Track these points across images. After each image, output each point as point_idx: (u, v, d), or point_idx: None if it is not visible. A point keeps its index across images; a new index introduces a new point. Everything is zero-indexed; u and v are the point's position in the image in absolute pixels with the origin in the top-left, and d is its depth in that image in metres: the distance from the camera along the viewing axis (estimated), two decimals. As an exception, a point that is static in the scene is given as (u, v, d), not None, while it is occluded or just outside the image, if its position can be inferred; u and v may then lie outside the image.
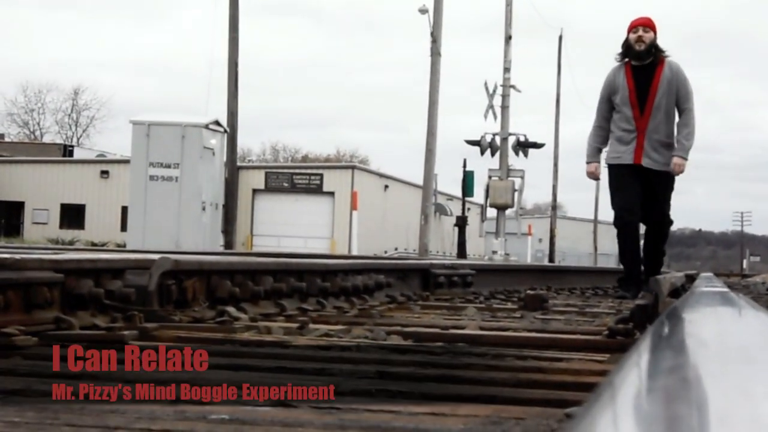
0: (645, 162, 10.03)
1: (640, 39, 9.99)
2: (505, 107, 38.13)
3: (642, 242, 10.47)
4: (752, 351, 1.63)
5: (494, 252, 37.15)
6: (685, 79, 10.17)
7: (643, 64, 10.06)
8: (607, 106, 10.29)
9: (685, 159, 10.11)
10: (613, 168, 10.28)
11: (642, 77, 10.07)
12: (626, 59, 10.14)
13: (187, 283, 5.04)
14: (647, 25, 10.10)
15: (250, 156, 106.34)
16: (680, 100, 10.11)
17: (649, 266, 10.33)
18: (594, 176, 10.59)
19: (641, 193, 10.11)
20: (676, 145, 10.14)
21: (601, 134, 10.38)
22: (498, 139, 37.80)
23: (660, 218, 10.34)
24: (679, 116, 10.16)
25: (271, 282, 5.84)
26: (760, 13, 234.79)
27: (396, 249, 60.46)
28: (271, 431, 2.39)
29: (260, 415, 2.54)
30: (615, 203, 10.29)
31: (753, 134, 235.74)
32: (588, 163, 10.51)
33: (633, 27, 10.11)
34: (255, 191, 58.56)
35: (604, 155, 10.68)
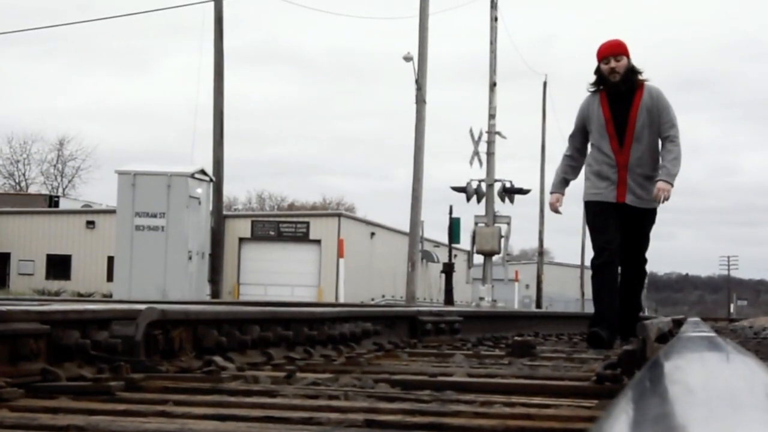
0: (630, 200, 9.14)
1: (613, 71, 9.03)
2: (490, 154, 38.29)
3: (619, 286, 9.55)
4: (739, 397, 1.63)
5: (481, 298, 37.18)
6: (666, 105, 9.20)
7: (619, 91, 9.11)
8: (581, 136, 9.36)
9: (671, 185, 9.09)
10: (592, 205, 9.33)
11: (619, 106, 9.10)
12: (600, 87, 9.20)
13: (173, 333, 5.02)
14: (618, 51, 9.10)
15: (236, 204, 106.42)
16: (663, 127, 9.15)
17: (629, 315, 9.36)
18: (554, 208, 9.51)
19: (620, 232, 9.21)
20: (660, 169, 9.17)
21: (571, 164, 9.47)
22: (484, 186, 37.94)
23: (639, 258, 9.50)
24: (663, 144, 9.21)
25: (258, 331, 5.82)
26: (742, 58, 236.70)
27: (383, 296, 60.40)
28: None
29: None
30: (596, 242, 9.34)
31: (737, 178, 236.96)
32: (551, 193, 9.55)
33: (603, 57, 9.12)
34: (241, 240, 58.49)
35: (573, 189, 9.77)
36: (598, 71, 9.16)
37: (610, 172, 9.15)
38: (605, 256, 9.21)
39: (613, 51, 9.08)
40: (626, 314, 9.32)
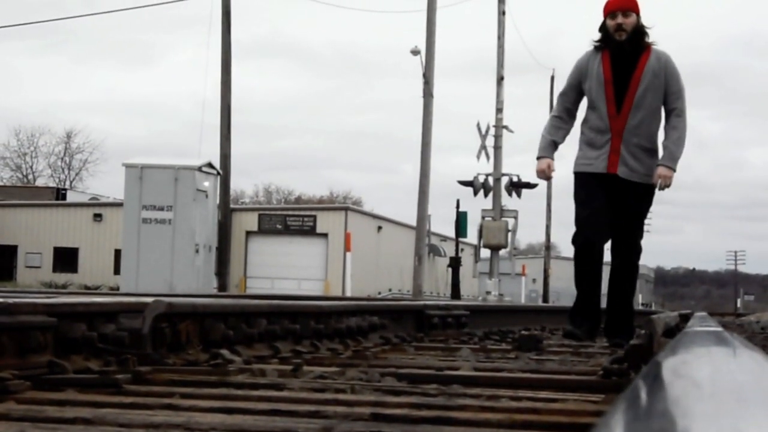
0: (621, 171, 8.10)
1: (620, 27, 8.08)
2: (497, 148, 38.25)
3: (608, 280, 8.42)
4: (746, 392, 1.63)
5: (488, 292, 37.14)
6: (675, 72, 8.22)
7: (623, 51, 8.16)
8: (574, 94, 8.41)
9: (674, 170, 8.11)
10: (581, 177, 8.32)
11: (622, 66, 8.15)
12: (605, 46, 8.25)
13: (180, 326, 5.03)
14: (627, 6, 8.13)
15: (243, 198, 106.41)
16: (669, 97, 8.17)
17: (618, 314, 8.29)
18: (544, 175, 8.42)
19: (610, 211, 8.19)
20: (662, 151, 8.18)
21: (560, 126, 8.44)
22: (491, 180, 37.90)
23: (630, 246, 8.28)
24: (667, 118, 8.23)
25: (265, 324, 5.83)
26: (749, 53, 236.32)
27: (390, 290, 60.40)
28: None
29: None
30: (579, 219, 8.29)
31: (744, 173, 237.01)
32: (538, 158, 8.39)
33: (610, 11, 8.16)
34: (248, 233, 58.49)
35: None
36: (603, 27, 8.24)
37: (602, 140, 8.20)
38: (587, 232, 8.25)
39: (621, 5, 8.13)
40: (613, 314, 8.31)
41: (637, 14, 8.17)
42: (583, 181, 8.30)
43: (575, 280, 8.39)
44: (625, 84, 8.13)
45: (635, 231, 8.34)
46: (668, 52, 8.29)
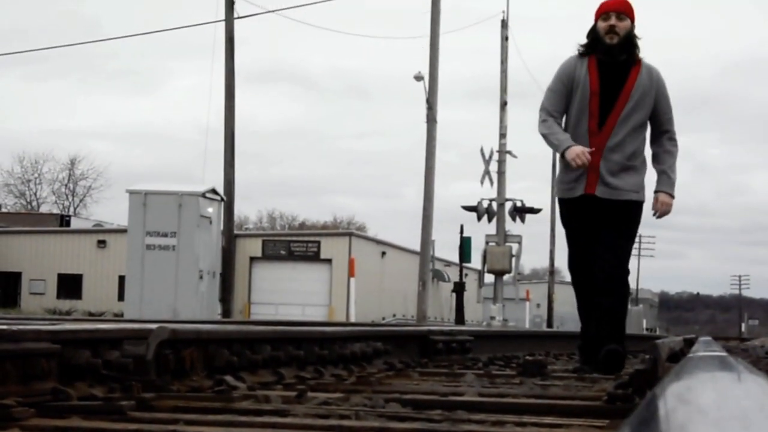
0: (600, 191, 7.50)
1: (612, 29, 7.43)
2: (501, 173, 38.33)
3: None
4: (751, 417, 1.62)
5: (492, 317, 37.14)
6: (666, 91, 7.70)
7: (613, 60, 7.54)
8: (564, 104, 7.63)
9: (673, 197, 7.70)
10: (564, 203, 7.77)
11: (610, 78, 7.51)
12: (592, 52, 7.58)
13: (184, 353, 5.02)
14: (622, 9, 7.50)
15: (247, 224, 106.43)
16: (661, 119, 7.67)
17: (603, 334, 7.47)
18: (583, 160, 7.37)
19: (597, 235, 7.62)
20: (658, 175, 7.70)
21: (559, 122, 7.65)
22: (495, 205, 37.96)
23: (613, 266, 7.55)
24: (659, 140, 7.74)
25: (269, 350, 5.82)
26: (750, 77, 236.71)
27: (394, 315, 60.36)
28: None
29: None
30: (572, 246, 7.87)
31: (747, 198, 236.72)
32: (567, 149, 7.43)
33: (603, 12, 7.51)
34: (252, 259, 58.52)
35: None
36: (593, 32, 7.57)
37: None
38: (583, 266, 7.73)
39: (617, 7, 7.50)
40: (602, 339, 7.47)
41: (632, 21, 7.57)
42: (567, 207, 7.80)
43: (578, 307, 7.96)
44: (612, 99, 7.54)
45: (619, 252, 7.64)
46: (660, 68, 7.76)
